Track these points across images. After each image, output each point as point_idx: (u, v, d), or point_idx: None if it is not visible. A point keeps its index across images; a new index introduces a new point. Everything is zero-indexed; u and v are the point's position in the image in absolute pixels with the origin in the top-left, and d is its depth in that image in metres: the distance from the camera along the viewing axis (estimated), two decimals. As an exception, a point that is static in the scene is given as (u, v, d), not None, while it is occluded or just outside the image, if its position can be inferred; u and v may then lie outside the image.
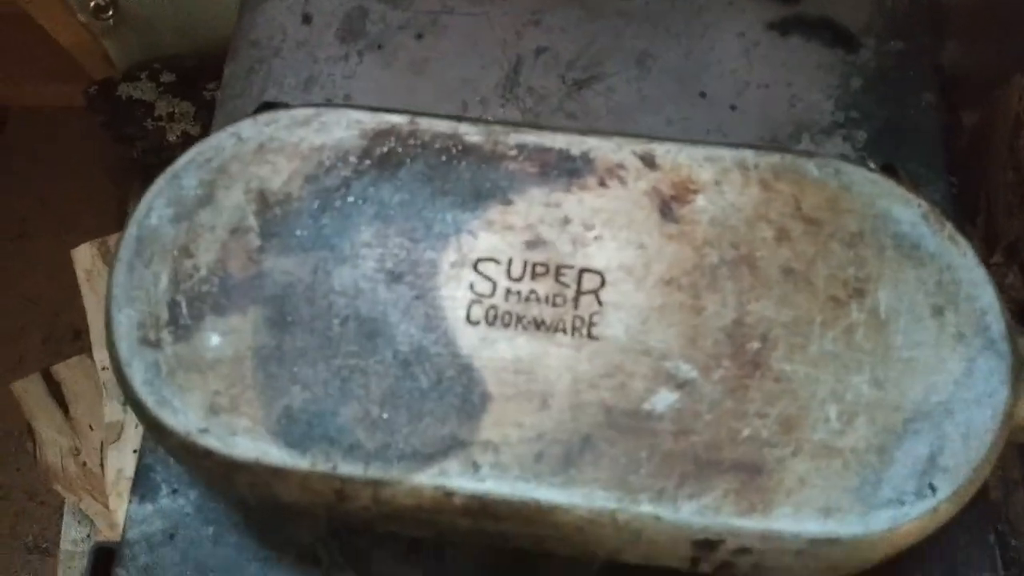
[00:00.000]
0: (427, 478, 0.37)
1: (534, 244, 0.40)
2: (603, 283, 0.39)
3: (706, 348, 0.38)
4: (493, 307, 0.39)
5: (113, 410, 0.89)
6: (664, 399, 0.37)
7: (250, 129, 0.43)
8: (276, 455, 0.38)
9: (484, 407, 0.38)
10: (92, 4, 1.03)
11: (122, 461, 0.88)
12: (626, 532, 0.36)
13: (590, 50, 0.59)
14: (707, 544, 0.36)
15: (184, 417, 0.38)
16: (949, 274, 0.39)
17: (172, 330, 0.40)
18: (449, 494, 0.37)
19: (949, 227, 0.40)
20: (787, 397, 0.37)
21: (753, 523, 0.36)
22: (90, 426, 1.04)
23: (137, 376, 0.39)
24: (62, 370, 1.06)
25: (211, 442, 0.38)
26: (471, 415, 0.38)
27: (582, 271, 0.40)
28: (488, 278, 0.40)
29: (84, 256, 0.95)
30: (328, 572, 0.48)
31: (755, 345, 0.38)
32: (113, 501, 0.88)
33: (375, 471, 0.37)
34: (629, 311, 0.39)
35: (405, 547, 0.49)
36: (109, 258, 0.95)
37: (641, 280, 0.40)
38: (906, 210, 0.40)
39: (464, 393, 0.38)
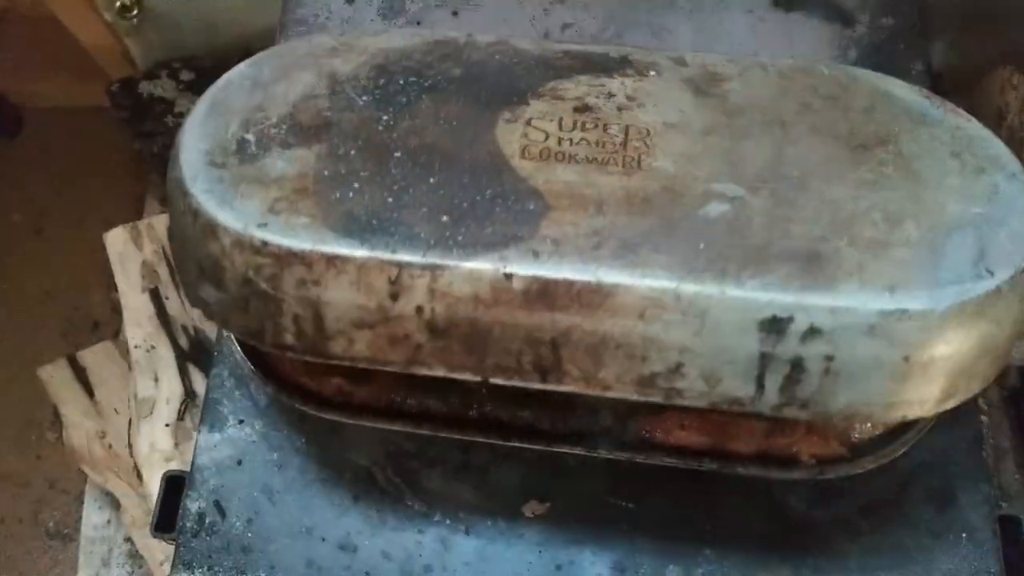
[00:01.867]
0: (487, 263, 0.38)
1: (582, 109, 0.43)
2: (648, 133, 0.42)
3: (750, 175, 0.41)
4: (546, 148, 0.42)
5: (145, 386, 0.92)
6: (716, 208, 0.39)
7: (323, 36, 0.48)
8: (333, 242, 0.38)
9: (542, 214, 0.39)
10: (118, 3, 1.07)
11: (154, 435, 0.91)
12: (690, 315, 0.37)
13: (611, 25, 0.65)
14: (775, 325, 0.37)
15: (243, 215, 0.39)
16: (959, 132, 0.43)
17: (239, 157, 0.42)
18: (509, 276, 0.37)
19: (951, 105, 0.45)
20: (832, 207, 0.39)
21: (820, 297, 0.37)
22: (115, 410, 1.06)
23: (200, 188, 0.41)
24: (87, 356, 1.09)
25: (268, 235, 0.39)
26: (529, 220, 0.39)
27: (628, 126, 0.43)
28: (541, 130, 0.42)
29: (117, 239, 0.98)
30: (384, 492, 0.53)
31: (795, 173, 0.41)
32: (146, 473, 0.90)
33: (434, 256, 0.38)
34: (675, 152, 0.42)
35: (454, 466, 0.54)
36: (140, 242, 0.99)
37: (683, 131, 0.42)
38: (910, 92, 0.45)
39: (521, 204, 0.39)
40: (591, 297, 0.38)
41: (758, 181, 0.41)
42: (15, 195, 1.33)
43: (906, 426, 0.46)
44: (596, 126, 0.43)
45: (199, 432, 0.54)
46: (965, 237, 0.39)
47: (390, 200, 0.40)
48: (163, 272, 0.97)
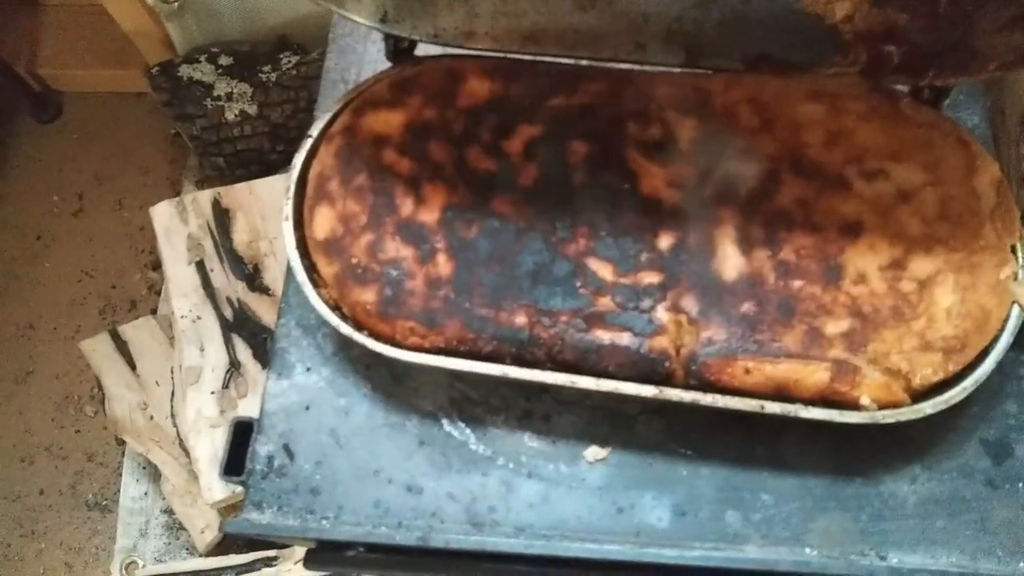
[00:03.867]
0: None
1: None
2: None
3: None
4: None
5: (191, 355, 0.94)
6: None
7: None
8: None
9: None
10: (161, -12, 1.10)
11: (200, 402, 0.92)
12: None
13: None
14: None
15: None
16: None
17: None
18: None
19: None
20: None
21: None
22: (156, 382, 1.08)
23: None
24: (128, 330, 1.10)
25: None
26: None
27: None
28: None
29: (163, 213, 1.00)
30: (449, 437, 0.54)
31: None
32: (192, 439, 0.92)
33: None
34: None
35: (518, 414, 0.55)
36: (186, 216, 1.00)
37: None
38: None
39: None
40: None
41: None
42: (55, 178, 1.35)
43: (965, 372, 0.47)
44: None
45: (267, 379, 0.55)
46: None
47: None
48: (208, 245, 0.99)
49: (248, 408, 0.93)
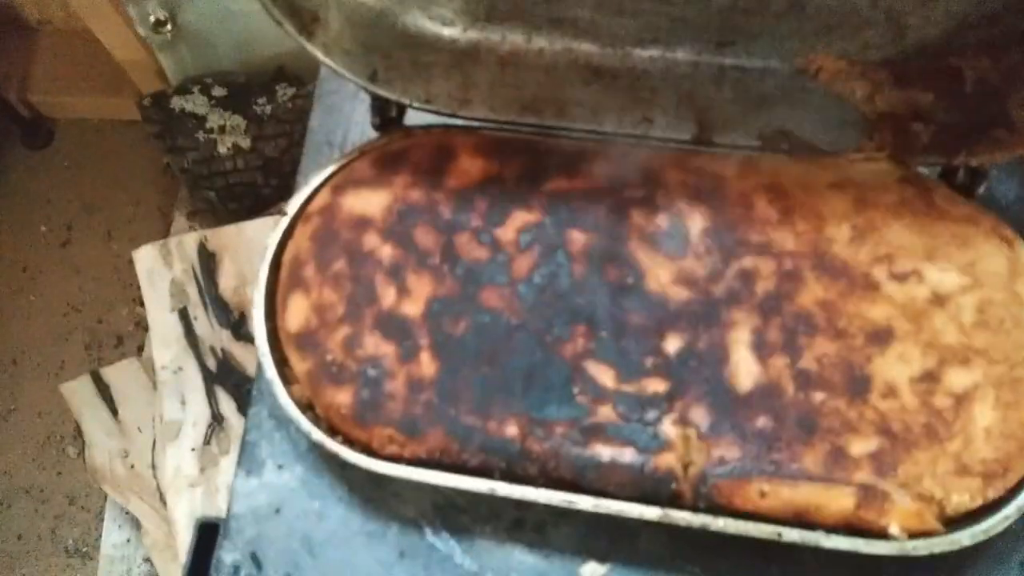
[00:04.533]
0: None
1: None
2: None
3: None
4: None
5: (171, 409, 0.90)
6: None
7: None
8: None
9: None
10: (152, 18, 1.06)
11: (180, 459, 0.88)
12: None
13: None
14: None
15: None
16: None
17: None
18: None
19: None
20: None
21: None
22: (138, 428, 1.04)
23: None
24: (111, 372, 1.06)
25: None
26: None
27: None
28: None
29: (146, 257, 0.96)
30: (432, 549, 0.49)
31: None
32: (171, 499, 0.87)
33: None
34: None
35: (508, 523, 0.50)
36: (170, 260, 0.96)
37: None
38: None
39: None
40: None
41: None
42: (43, 208, 1.32)
43: (1006, 497, 0.43)
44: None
45: (235, 477, 0.51)
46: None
47: None
48: (192, 292, 0.95)
49: (230, 466, 0.88)
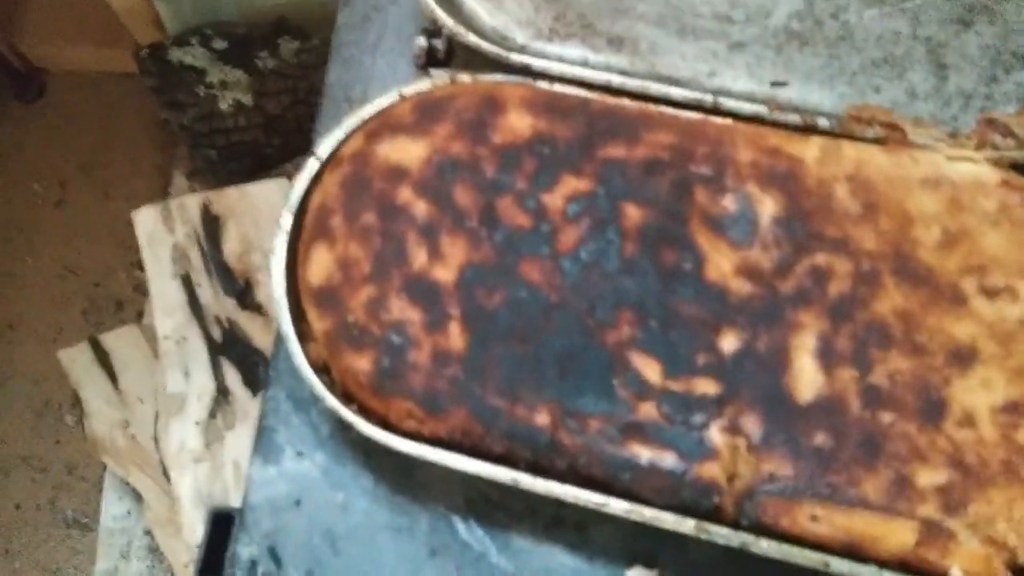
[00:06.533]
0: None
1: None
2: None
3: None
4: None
5: (174, 381, 0.85)
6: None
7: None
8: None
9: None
10: (148, -36, 1.00)
11: (184, 434, 0.84)
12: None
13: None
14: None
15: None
16: None
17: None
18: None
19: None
20: None
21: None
22: (140, 399, 1.00)
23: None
24: (111, 339, 1.02)
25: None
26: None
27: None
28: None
29: (146, 219, 0.91)
30: (465, 547, 0.46)
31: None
32: (175, 475, 0.84)
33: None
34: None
35: (547, 520, 0.46)
36: (172, 223, 0.91)
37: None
38: None
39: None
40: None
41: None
42: (35, 165, 1.25)
43: None
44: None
45: (251, 465, 0.47)
46: None
47: None
48: (195, 257, 0.90)
49: (236, 442, 0.85)
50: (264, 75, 1.06)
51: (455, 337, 0.43)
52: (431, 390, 0.42)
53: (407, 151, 0.46)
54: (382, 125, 0.47)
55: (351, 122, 0.48)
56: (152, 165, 1.28)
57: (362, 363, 0.43)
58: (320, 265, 0.45)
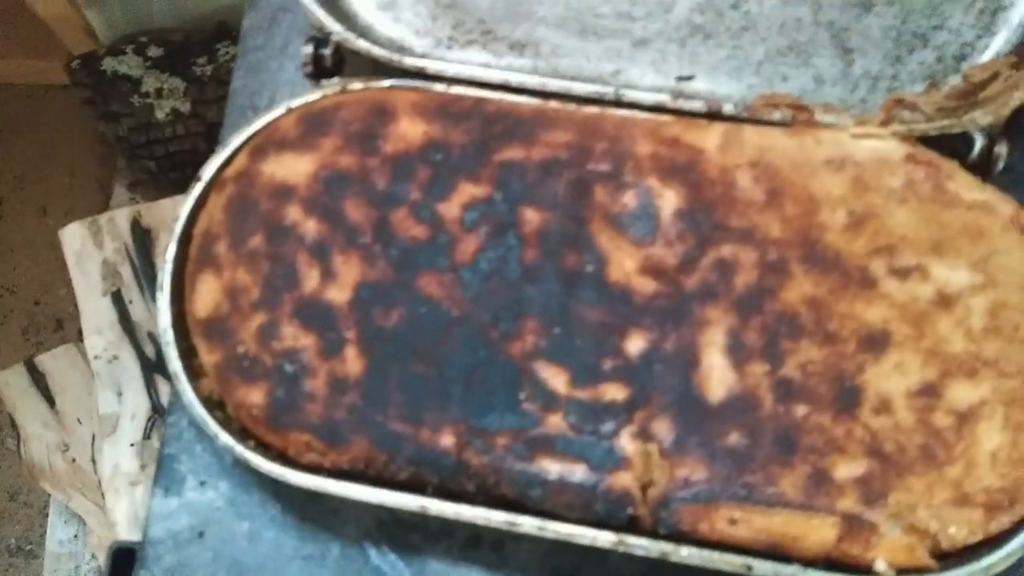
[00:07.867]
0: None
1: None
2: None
3: None
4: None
5: (107, 401, 0.83)
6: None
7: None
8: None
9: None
10: (74, -30, 0.97)
11: (118, 456, 0.81)
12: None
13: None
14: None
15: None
16: None
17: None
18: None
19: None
20: None
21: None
22: (78, 420, 0.97)
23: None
24: (47, 361, 0.99)
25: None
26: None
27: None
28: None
29: (73, 236, 0.88)
30: (378, 573, 0.44)
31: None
32: (110, 499, 0.81)
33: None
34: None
35: (463, 541, 0.45)
36: (101, 239, 0.88)
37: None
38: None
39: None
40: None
41: None
42: (-31, 181, 1.23)
43: (1011, 532, 0.38)
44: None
45: (152, 496, 0.45)
46: None
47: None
48: (126, 273, 0.87)
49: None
50: (203, 82, 1.03)
51: (352, 361, 0.41)
52: (329, 420, 0.40)
53: (293, 168, 0.44)
54: (267, 141, 0.45)
55: (236, 139, 0.45)
56: (92, 179, 1.25)
57: (255, 396, 0.41)
58: (207, 295, 0.43)
